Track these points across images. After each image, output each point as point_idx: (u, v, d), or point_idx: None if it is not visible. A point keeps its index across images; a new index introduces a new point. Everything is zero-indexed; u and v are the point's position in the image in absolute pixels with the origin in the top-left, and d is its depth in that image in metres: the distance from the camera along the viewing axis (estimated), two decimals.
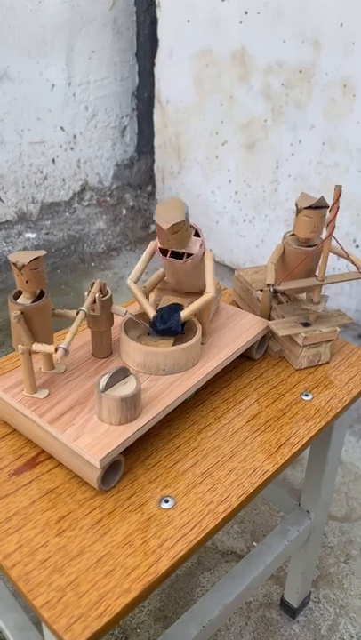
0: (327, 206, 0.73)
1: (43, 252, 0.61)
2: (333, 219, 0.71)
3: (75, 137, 2.34)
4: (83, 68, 2.25)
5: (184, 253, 0.70)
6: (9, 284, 2.21)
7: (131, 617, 1.12)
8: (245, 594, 0.85)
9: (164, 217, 0.66)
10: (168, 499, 0.61)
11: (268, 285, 0.75)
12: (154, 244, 0.73)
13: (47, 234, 2.30)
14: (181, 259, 0.70)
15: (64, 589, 0.51)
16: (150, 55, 2.31)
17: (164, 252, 0.71)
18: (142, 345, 0.69)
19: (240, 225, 2.24)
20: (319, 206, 0.73)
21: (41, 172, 2.30)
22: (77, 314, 0.64)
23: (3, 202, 2.25)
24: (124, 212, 2.50)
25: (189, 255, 0.70)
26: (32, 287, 0.61)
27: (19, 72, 2.09)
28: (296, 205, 0.75)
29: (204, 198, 2.32)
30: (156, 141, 2.44)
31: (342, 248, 0.76)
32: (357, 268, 0.77)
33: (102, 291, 0.68)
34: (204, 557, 1.25)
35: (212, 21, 2.01)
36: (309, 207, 0.73)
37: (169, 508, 0.60)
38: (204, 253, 0.72)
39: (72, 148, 2.36)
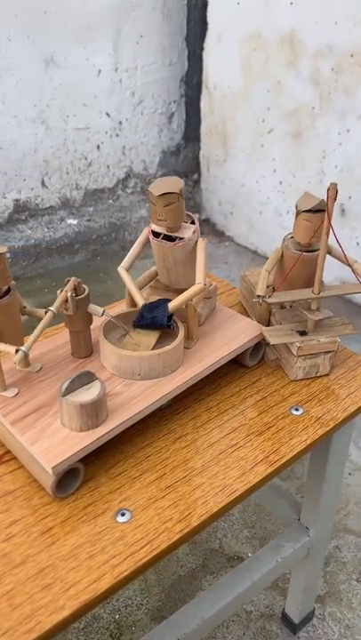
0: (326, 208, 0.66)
1: (4, 249, 0.59)
2: (329, 222, 0.65)
3: (120, 123, 2.33)
4: (130, 53, 2.23)
5: (176, 238, 0.68)
6: (49, 269, 2.24)
7: (127, 614, 1.11)
8: (227, 610, 0.81)
9: (157, 186, 0.65)
10: (125, 512, 0.58)
11: (258, 296, 0.70)
12: (147, 230, 0.71)
13: (89, 220, 2.31)
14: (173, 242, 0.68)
15: None
16: (200, 39, 2.25)
17: (156, 234, 0.69)
18: (116, 347, 0.66)
19: (283, 216, 2.15)
20: (320, 210, 0.67)
21: (85, 158, 2.31)
22: (46, 313, 0.62)
23: (47, 187, 2.27)
24: None
25: (181, 239, 0.67)
26: None
27: (65, 58, 2.09)
28: (296, 207, 0.70)
29: (249, 188, 2.25)
30: (203, 128, 2.39)
31: (344, 254, 0.70)
32: (358, 277, 0.70)
33: (77, 290, 0.65)
34: (210, 560, 1.22)
35: (262, 3, 1.92)
36: (308, 211, 0.67)
37: (124, 522, 0.57)
38: (197, 243, 0.69)
39: (117, 135, 2.34)
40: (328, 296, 0.70)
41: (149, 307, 0.69)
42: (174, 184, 0.65)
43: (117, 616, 1.11)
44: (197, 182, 2.54)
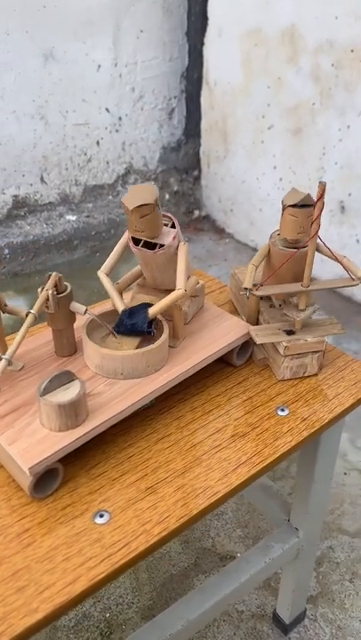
0: (314, 204, 0.65)
1: None
2: (318, 217, 0.64)
3: (120, 119, 2.32)
4: (130, 48, 2.21)
5: (157, 244, 0.66)
6: (48, 265, 2.24)
7: (118, 612, 1.11)
8: (214, 611, 0.81)
9: (131, 198, 0.63)
10: (104, 513, 0.57)
11: (245, 289, 0.69)
12: (128, 235, 0.69)
13: (88, 217, 2.30)
14: (154, 249, 0.66)
15: None
16: (201, 34, 2.23)
17: (136, 241, 0.68)
18: (99, 346, 0.65)
19: None
20: (305, 205, 0.66)
21: (85, 153, 2.30)
22: (27, 316, 0.61)
23: (46, 183, 2.26)
24: (167, 196, 2.46)
25: (161, 246, 0.66)
26: None
27: (64, 52, 2.07)
28: (282, 202, 0.69)
29: (249, 185, 2.24)
30: (203, 124, 2.37)
31: (330, 250, 0.68)
32: (348, 272, 0.69)
33: (58, 286, 0.65)
34: (202, 559, 1.21)
35: None
36: (294, 205, 0.66)
37: (102, 524, 0.56)
38: (178, 247, 0.68)
39: (117, 130, 2.33)
40: (317, 289, 0.69)
41: (130, 312, 0.67)
42: (148, 194, 0.62)
43: (108, 614, 1.11)
44: (198, 179, 2.53)
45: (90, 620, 1.10)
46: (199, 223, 2.48)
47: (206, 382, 0.75)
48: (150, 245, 0.66)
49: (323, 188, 0.61)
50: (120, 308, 0.69)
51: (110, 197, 2.42)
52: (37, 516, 0.57)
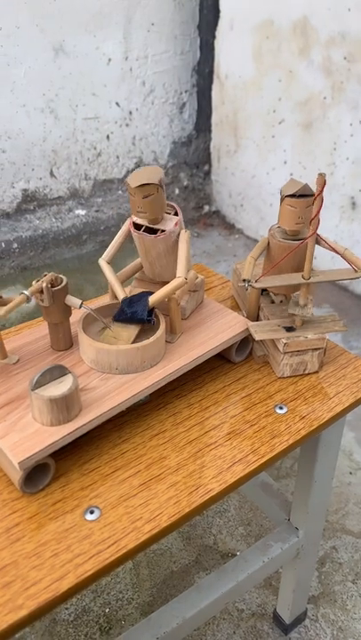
0: (313, 194, 0.64)
1: None
2: (318, 212, 0.62)
3: (130, 113, 2.30)
4: (141, 42, 2.20)
5: (158, 230, 0.66)
6: (57, 259, 2.24)
7: (118, 608, 1.11)
8: (210, 610, 0.80)
9: (135, 177, 0.62)
10: (94, 509, 0.56)
11: (244, 281, 0.68)
12: (129, 221, 0.69)
13: (97, 211, 2.30)
14: (155, 235, 0.66)
15: None
16: (213, 27, 2.21)
17: (137, 227, 0.67)
18: (94, 341, 0.64)
19: None
20: (304, 195, 0.64)
21: (95, 148, 2.29)
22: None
23: (55, 177, 2.26)
24: (177, 191, 2.44)
25: (163, 232, 0.65)
26: None
27: (74, 46, 2.07)
28: (280, 193, 0.67)
29: (259, 179, 2.21)
30: (214, 118, 2.35)
31: (329, 244, 0.67)
32: (351, 264, 0.67)
33: (54, 282, 0.64)
34: (203, 556, 1.20)
35: None
36: (292, 195, 0.65)
37: (92, 520, 0.56)
38: (179, 235, 0.67)
39: (127, 125, 2.32)
40: (318, 281, 0.67)
41: (130, 301, 0.67)
42: (153, 174, 0.62)
43: (107, 609, 1.11)
44: (208, 173, 2.51)
45: (89, 615, 1.10)
46: (209, 218, 2.46)
47: (205, 378, 0.74)
48: (152, 231, 0.66)
49: (323, 180, 0.60)
50: (121, 295, 0.68)
51: (120, 192, 2.41)
52: (27, 510, 0.56)
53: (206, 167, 2.51)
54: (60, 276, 0.65)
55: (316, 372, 0.74)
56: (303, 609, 1.06)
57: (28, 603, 0.49)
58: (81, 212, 2.29)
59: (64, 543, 0.53)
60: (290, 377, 0.74)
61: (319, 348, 0.72)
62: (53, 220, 2.23)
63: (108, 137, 2.30)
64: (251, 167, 2.24)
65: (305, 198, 0.64)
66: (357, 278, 0.67)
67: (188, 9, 2.25)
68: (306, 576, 0.98)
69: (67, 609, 1.10)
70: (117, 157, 2.36)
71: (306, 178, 2.01)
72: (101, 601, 1.12)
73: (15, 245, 2.13)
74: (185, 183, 2.47)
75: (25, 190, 2.21)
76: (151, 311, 0.66)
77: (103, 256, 0.71)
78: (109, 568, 0.52)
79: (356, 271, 0.68)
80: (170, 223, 0.66)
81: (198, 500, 0.58)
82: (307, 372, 0.74)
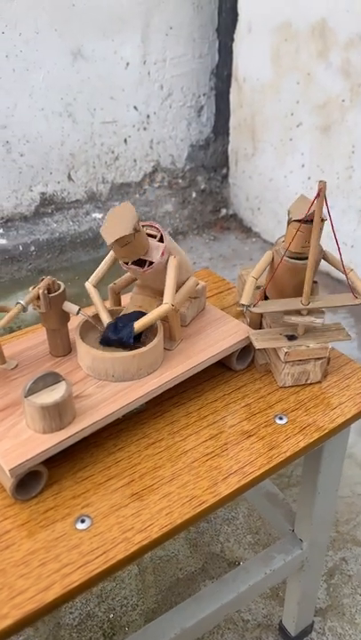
0: (323, 219, 0.62)
1: None
2: (319, 228, 0.61)
3: (148, 116, 2.31)
4: (159, 46, 2.20)
5: (146, 260, 0.64)
6: (73, 262, 2.25)
7: (122, 614, 1.10)
8: (209, 621, 0.78)
9: (109, 230, 0.60)
10: (85, 518, 0.56)
11: (242, 305, 0.66)
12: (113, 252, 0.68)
13: None
14: (144, 266, 0.64)
15: None
16: (231, 30, 2.20)
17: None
18: (90, 347, 0.64)
19: None
20: (312, 220, 0.63)
21: (112, 151, 2.30)
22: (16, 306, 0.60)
23: (73, 181, 2.27)
24: (194, 194, 2.43)
25: (151, 263, 0.64)
26: None
27: (93, 50, 2.08)
28: (288, 213, 0.65)
29: (276, 183, 2.19)
30: (232, 122, 2.34)
31: (334, 261, 0.65)
32: (353, 289, 0.65)
33: (51, 288, 0.64)
34: (210, 564, 1.19)
35: None
36: (299, 221, 0.63)
37: (82, 530, 0.55)
38: (168, 261, 0.66)
39: (145, 128, 2.32)
40: (317, 307, 0.66)
41: (115, 325, 0.66)
42: (127, 221, 0.59)
43: (112, 615, 1.10)
44: (226, 177, 2.50)
45: (93, 620, 1.09)
46: (226, 222, 2.45)
47: (204, 386, 0.73)
48: (140, 261, 0.65)
49: (322, 187, 0.58)
50: (106, 320, 0.67)
51: (137, 195, 2.41)
52: (19, 517, 0.56)
53: (224, 170, 2.50)
54: (58, 282, 0.65)
55: (319, 381, 0.73)
56: (310, 621, 1.04)
57: (13, 612, 0.48)
58: (98, 215, 2.30)
59: (53, 552, 0.53)
60: (292, 386, 0.72)
61: (322, 358, 0.70)
62: (70, 223, 2.25)
63: (125, 140, 2.30)
64: (268, 170, 2.22)
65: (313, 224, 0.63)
66: (357, 305, 0.65)
67: (207, 12, 2.25)
68: (311, 588, 0.96)
69: (71, 613, 1.10)
70: (135, 161, 2.37)
71: None
72: (106, 606, 1.12)
73: (32, 248, 2.15)
74: (202, 186, 2.46)
75: (43, 194, 2.23)
76: (138, 336, 0.65)
77: (90, 280, 0.70)
78: (97, 579, 0.52)
79: (356, 297, 0.66)
80: (156, 254, 0.64)
81: (190, 512, 0.57)
82: (309, 381, 0.72)
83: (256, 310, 0.66)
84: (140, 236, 0.62)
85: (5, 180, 2.12)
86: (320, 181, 0.59)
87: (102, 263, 0.70)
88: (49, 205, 2.26)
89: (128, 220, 0.59)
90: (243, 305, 0.66)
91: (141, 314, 0.66)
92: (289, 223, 0.65)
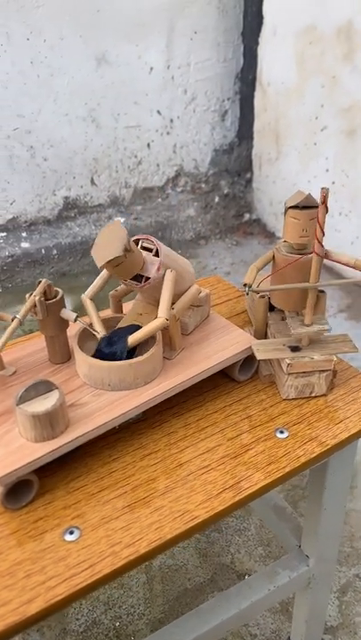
0: (317, 206, 0.60)
1: None
2: (322, 224, 0.59)
3: (171, 121, 2.30)
4: (183, 50, 2.19)
5: (143, 276, 0.63)
6: (95, 266, 2.26)
7: (128, 622, 1.09)
8: (210, 637, 0.77)
9: (99, 252, 0.59)
10: (74, 530, 0.55)
11: (245, 285, 0.65)
12: None
13: (136, 219, 2.31)
14: (141, 281, 0.64)
15: None
16: (256, 34, 2.18)
17: None
18: (86, 356, 0.63)
19: (335, 218, 2.05)
20: (307, 206, 0.61)
21: (135, 156, 2.30)
22: (13, 320, 0.60)
23: (96, 185, 2.29)
24: (217, 199, 2.42)
25: (148, 279, 0.63)
26: None
27: (117, 56, 2.09)
28: (284, 205, 0.64)
29: (300, 187, 2.16)
30: (256, 126, 2.32)
31: (337, 256, 0.63)
32: None
33: (48, 293, 0.63)
34: (219, 576, 1.17)
35: None
36: (295, 207, 0.62)
37: (71, 541, 0.54)
38: (164, 275, 0.64)
39: (168, 133, 2.32)
40: (325, 285, 0.63)
41: (109, 339, 0.65)
42: (117, 242, 0.58)
43: (118, 623, 1.09)
44: (249, 181, 2.47)
45: (99, 627, 1.09)
46: (249, 227, 2.43)
47: (205, 397, 0.71)
48: (138, 276, 0.64)
49: (325, 194, 0.56)
50: (100, 334, 0.66)
51: (159, 200, 2.41)
52: (8, 527, 0.56)
53: (248, 175, 2.48)
54: (56, 288, 0.65)
55: (325, 394, 0.70)
56: (319, 639, 1.01)
57: None
58: (120, 219, 2.30)
59: (39, 564, 0.52)
60: (295, 399, 0.70)
61: (327, 370, 0.68)
62: (93, 227, 2.26)
63: (148, 145, 2.31)
64: (292, 175, 2.19)
65: (309, 210, 0.61)
66: None
67: (233, 16, 2.23)
68: (320, 606, 0.93)
69: (77, 620, 1.09)
70: (158, 165, 2.37)
71: (349, 186, 1.94)
72: (112, 614, 1.11)
73: (55, 252, 2.17)
74: (225, 191, 2.44)
75: (66, 198, 2.25)
76: (132, 350, 0.64)
77: (86, 293, 0.69)
78: (81, 593, 0.51)
79: None
80: (152, 269, 0.63)
81: (181, 528, 0.55)
82: (314, 394, 0.70)
83: (260, 290, 0.65)
84: (133, 256, 0.60)
85: (29, 184, 2.15)
86: (322, 188, 0.57)
87: (97, 278, 0.69)
88: (72, 209, 2.28)
89: (118, 240, 0.58)
90: (245, 285, 0.64)
91: (137, 327, 0.64)
92: (285, 213, 0.63)
